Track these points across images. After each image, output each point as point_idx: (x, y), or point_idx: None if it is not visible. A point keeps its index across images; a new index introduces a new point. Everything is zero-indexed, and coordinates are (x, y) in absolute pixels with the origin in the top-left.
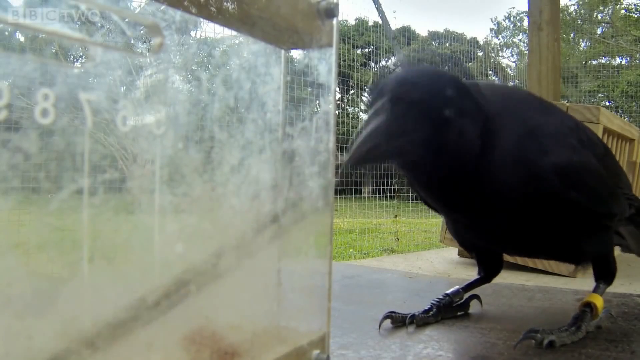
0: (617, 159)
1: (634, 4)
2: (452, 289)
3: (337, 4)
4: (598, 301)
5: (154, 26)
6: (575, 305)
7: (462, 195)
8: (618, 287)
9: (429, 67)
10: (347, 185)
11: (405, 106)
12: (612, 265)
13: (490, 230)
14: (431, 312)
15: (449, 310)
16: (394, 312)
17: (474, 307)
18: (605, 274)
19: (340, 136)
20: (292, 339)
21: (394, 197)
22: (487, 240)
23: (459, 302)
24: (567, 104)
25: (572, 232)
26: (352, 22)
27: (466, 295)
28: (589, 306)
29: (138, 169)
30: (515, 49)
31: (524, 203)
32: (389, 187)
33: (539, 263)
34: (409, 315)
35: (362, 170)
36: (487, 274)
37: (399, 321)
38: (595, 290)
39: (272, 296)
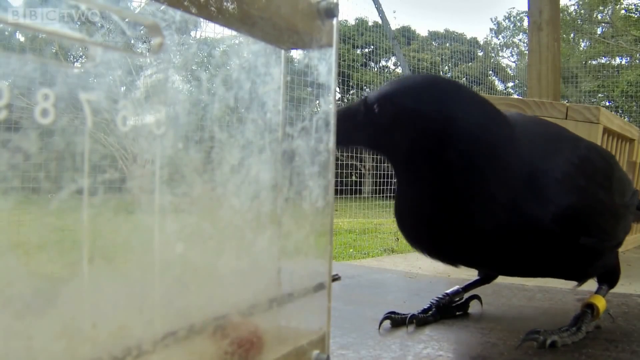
0: (617, 159)
1: (634, 4)
2: (451, 289)
3: (337, 4)
4: (600, 302)
5: (154, 26)
6: (575, 306)
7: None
8: (618, 287)
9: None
10: (347, 185)
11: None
12: (617, 270)
13: (481, 259)
14: (431, 312)
15: (449, 310)
16: (394, 313)
17: (474, 307)
18: (609, 278)
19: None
20: (292, 339)
21: (393, 197)
22: (478, 265)
23: (458, 302)
24: (567, 104)
25: (577, 264)
26: (352, 22)
27: (466, 295)
28: (590, 307)
29: (138, 169)
30: (515, 49)
31: (524, 247)
32: (389, 187)
33: None
34: (409, 316)
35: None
36: (487, 275)
37: (398, 322)
38: (597, 292)
39: (272, 296)
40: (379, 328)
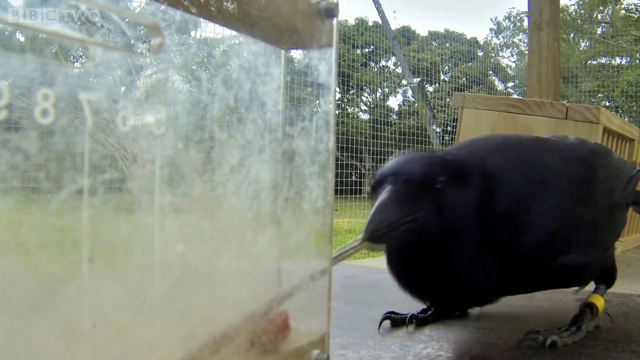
0: None
1: (634, 4)
2: None
3: (337, 4)
4: (599, 302)
5: (154, 26)
6: (575, 305)
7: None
8: (618, 287)
9: (423, 154)
10: (347, 185)
11: (403, 182)
12: (613, 270)
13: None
14: (430, 312)
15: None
16: (394, 313)
17: (475, 308)
18: (607, 278)
19: (340, 136)
20: (292, 339)
21: None
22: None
23: None
24: (567, 104)
25: (569, 277)
26: (352, 22)
27: None
28: (589, 306)
29: (138, 169)
30: (515, 49)
31: (517, 276)
32: None
33: None
34: (409, 315)
35: (382, 242)
36: None
37: (398, 322)
38: (595, 291)
39: (272, 296)
40: (379, 328)
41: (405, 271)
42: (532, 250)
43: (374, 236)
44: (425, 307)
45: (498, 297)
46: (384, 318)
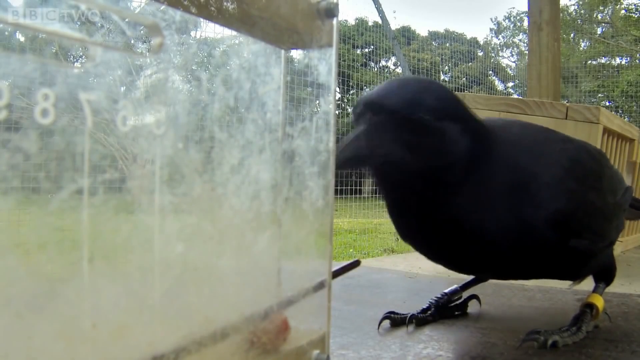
0: (617, 159)
1: (634, 4)
2: (450, 288)
3: (337, 4)
4: (599, 302)
5: (154, 26)
6: (575, 306)
7: (441, 228)
8: (618, 287)
9: (416, 77)
10: (347, 185)
11: (385, 115)
12: (612, 268)
13: (481, 265)
14: (430, 312)
15: (448, 309)
16: (393, 313)
17: (474, 307)
18: (605, 276)
19: (340, 136)
20: (292, 338)
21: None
22: (479, 271)
23: (457, 302)
24: (567, 104)
25: (571, 265)
26: (352, 22)
27: (464, 295)
28: (589, 307)
29: (138, 169)
30: (515, 49)
31: (518, 251)
32: None
33: None
34: (409, 315)
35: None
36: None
37: (398, 322)
38: (595, 290)
39: (272, 296)
40: (379, 328)
41: (402, 221)
42: (547, 226)
43: (344, 166)
44: (425, 307)
45: (497, 269)
46: (384, 318)
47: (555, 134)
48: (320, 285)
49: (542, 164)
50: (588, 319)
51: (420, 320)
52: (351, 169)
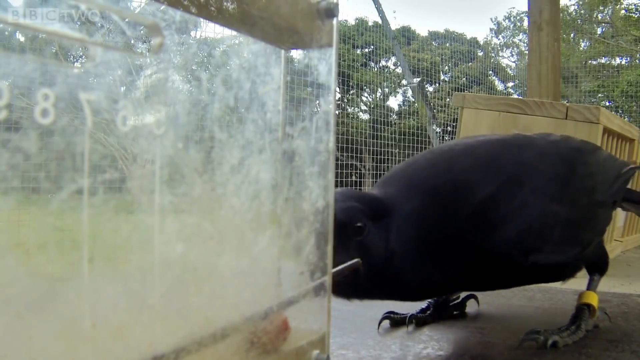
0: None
1: (634, 4)
2: None
3: (337, 4)
4: (593, 299)
5: (154, 26)
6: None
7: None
8: (618, 287)
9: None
10: (347, 185)
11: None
12: (604, 256)
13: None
14: (429, 312)
15: (446, 309)
16: (393, 313)
17: (472, 307)
18: (598, 266)
19: (340, 136)
20: (292, 339)
21: None
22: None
23: (455, 302)
24: (567, 104)
25: (550, 272)
26: (352, 22)
27: (463, 295)
28: (586, 305)
29: (138, 169)
30: (515, 49)
31: (494, 273)
32: None
33: None
34: (408, 315)
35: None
36: None
37: (398, 321)
38: (589, 287)
39: (272, 296)
40: (379, 328)
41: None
42: (502, 248)
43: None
44: (423, 307)
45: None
46: (384, 318)
47: (517, 143)
48: (320, 287)
49: (494, 185)
50: (586, 317)
51: (420, 320)
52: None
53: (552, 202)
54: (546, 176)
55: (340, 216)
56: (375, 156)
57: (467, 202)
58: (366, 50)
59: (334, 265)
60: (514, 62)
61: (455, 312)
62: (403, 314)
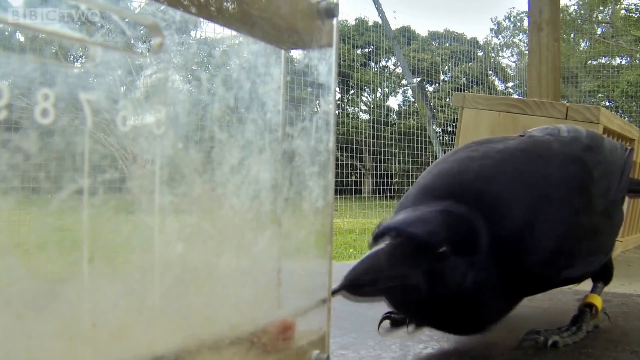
0: None
1: (634, 4)
2: None
3: (337, 4)
4: (597, 301)
5: (154, 26)
6: (575, 305)
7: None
8: (618, 287)
9: (440, 210)
10: (347, 185)
11: (406, 240)
12: (610, 267)
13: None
14: None
15: None
16: (393, 313)
17: None
18: (604, 276)
19: (340, 136)
20: (291, 339)
21: (394, 197)
22: None
23: None
24: (567, 104)
25: (573, 281)
26: (352, 22)
27: None
28: (588, 306)
29: (138, 169)
30: (515, 49)
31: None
32: (389, 187)
33: None
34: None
35: (358, 295)
36: None
37: (398, 322)
38: (593, 290)
39: (272, 296)
40: (379, 328)
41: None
42: (537, 269)
43: (353, 285)
44: None
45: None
46: (384, 318)
47: (538, 152)
48: (322, 303)
49: (527, 208)
50: (588, 319)
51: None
52: (361, 292)
53: (579, 214)
54: (570, 187)
55: (424, 236)
56: (375, 156)
57: (509, 228)
58: (366, 50)
59: (395, 277)
60: (514, 62)
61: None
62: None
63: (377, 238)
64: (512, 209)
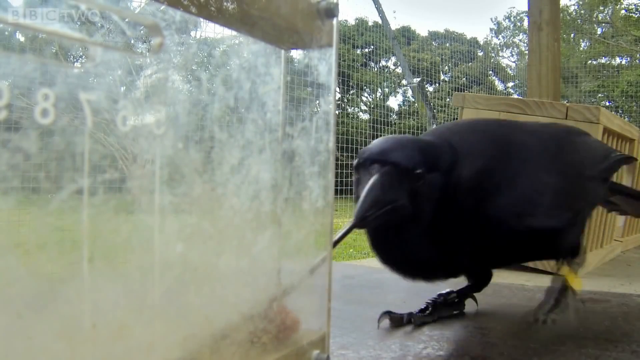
0: None
1: (634, 4)
2: (444, 290)
3: (337, 4)
4: (574, 282)
5: (154, 26)
6: (575, 305)
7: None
8: (618, 287)
9: (408, 136)
10: (347, 185)
11: (390, 168)
12: (579, 245)
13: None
14: (428, 311)
15: (445, 309)
16: (392, 312)
17: (473, 307)
18: (572, 252)
19: (340, 136)
20: (292, 339)
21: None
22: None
23: (454, 301)
24: (567, 104)
25: (548, 245)
26: (352, 22)
27: (455, 296)
28: (564, 284)
29: (138, 169)
30: (515, 49)
31: (497, 242)
32: None
33: (539, 264)
34: (406, 314)
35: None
36: (477, 284)
37: (397, 320)
38: (569, 269)
39: (272, 296)
40: (378, 325)
41: (385, 250)
42: (497, 212)
43: (363, 221)
44: (422, 307)
45: (472, 266)
46: (383, 316)
47: (510, 126)
48: (318, 265)
49: (490, 158)
50: (567, 295)
51: (419, 319)
52: (369, 224)
53: (541, 172)
54: (534, 150)
55: (403, 161)
56: None
57: (467, 178)
58: (366, 50)
59: (388, 204)
60: (514, 62)
61: (455, 312)
62: (402, 314)
63: (359, 167)
64: (475, 153)
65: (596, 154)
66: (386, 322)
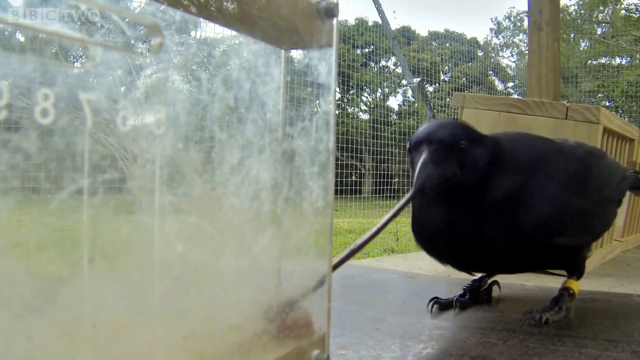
0: (617, 159)
1: (634, 4)
2: (477, 276)
3: (337, 4)
4: (574, 286)
5: (154, 26)
6: (575, 305)
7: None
8: (618, 287)
9: (449, 120)
10: (347, 185)
11: (436, 145)
12: (583, 265)
13: (481, 260)
14: (467, 296)
15: (479, 293)
16: (438, 298)
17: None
18: (577, 270)
19: (340, 136)
20: (292, 338)
21: (394, 197)
22: (477, 267)
23: (484, 287)
24: (567, 104)
25: (562, 258)
26: (352, 22)
27: (489, 281)
28: (566, 290)
29: (138, 169)
30: (515, 49)
31: (515, 249)
32: (389, 187)
33: None
34: (455, 299)
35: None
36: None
37: (444, 305)
38: (570, 278)
39: (272, 296)
40: (430, 311)
41: (427, 224)
42: (532, 229)
43: (421, 192)
44: (461, 292)
45: (499, 264)
46: (432, 302)
47: (549, 144)
48: (320, 284)
49: (531, 172)
50: (566, 300)
51: (463, 303)
52: (427, 193)
53: (573, 196)
54: (569, 174)
55: (447, 138)
56: (375, 156)
57: (506, 180)
58: (366, 50)
59: (435, 176)
60: (514, 62)
61: (485, 297)
62: (449, 299)
63: (411, 150)
64: (516, 160)
65: (616, 178)
66: (435, 305)
